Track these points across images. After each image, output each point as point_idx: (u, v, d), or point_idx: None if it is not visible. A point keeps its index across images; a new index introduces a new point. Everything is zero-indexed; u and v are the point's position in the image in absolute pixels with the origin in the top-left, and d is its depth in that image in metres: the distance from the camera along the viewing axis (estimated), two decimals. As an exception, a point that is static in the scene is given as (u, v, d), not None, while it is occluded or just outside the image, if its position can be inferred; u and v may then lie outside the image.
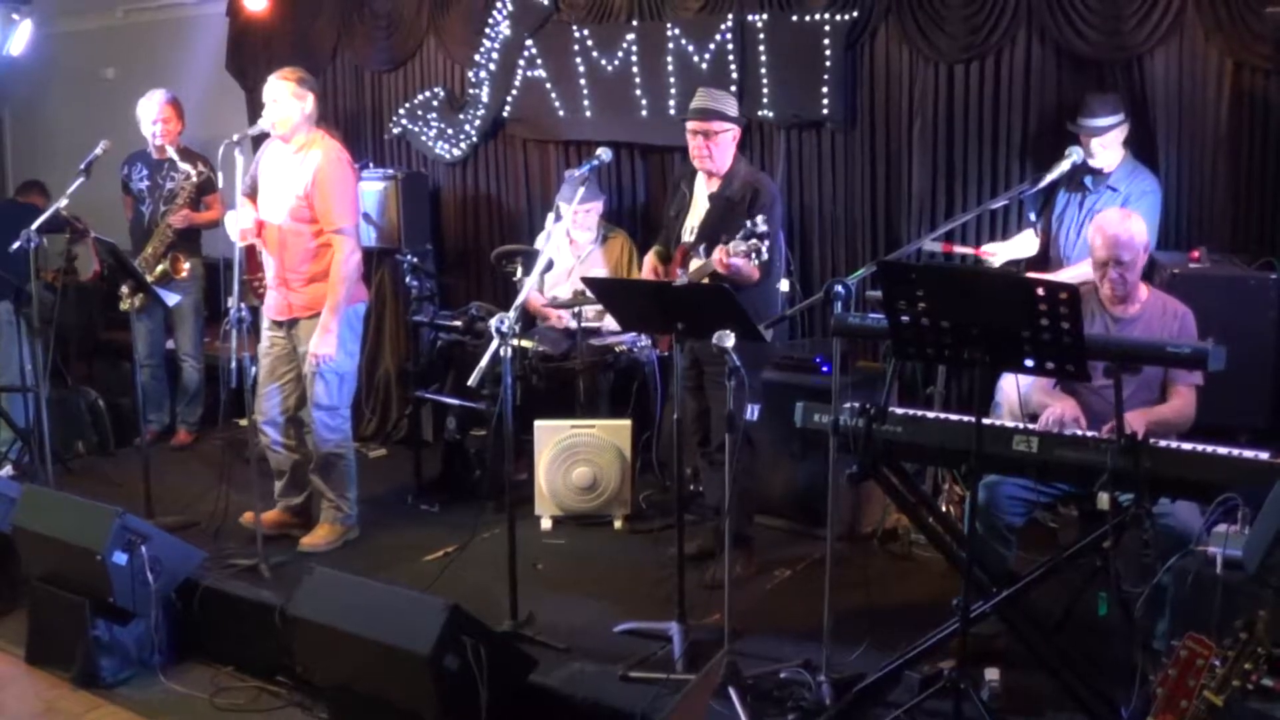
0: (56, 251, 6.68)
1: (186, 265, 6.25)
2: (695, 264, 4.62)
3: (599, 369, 5.52)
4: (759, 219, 4.27)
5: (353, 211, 4.85)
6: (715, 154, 4.62)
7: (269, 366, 4.98)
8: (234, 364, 4.63)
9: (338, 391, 4.91)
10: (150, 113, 6.20)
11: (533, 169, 6.49)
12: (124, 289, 5.70)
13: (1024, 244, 4.87)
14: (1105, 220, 3.95)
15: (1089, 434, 3.47)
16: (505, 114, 6.42)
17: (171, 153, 6.21)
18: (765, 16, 5.50)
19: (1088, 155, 4.51)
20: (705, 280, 4.46)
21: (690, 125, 4.65)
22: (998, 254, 4.81)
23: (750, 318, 3.84)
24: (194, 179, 6.25)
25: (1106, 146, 4.54)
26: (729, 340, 3.55)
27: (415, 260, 6.09)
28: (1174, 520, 3.50)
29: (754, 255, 4.27)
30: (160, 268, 6.18)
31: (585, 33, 6.04)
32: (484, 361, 4.03)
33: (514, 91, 6.35)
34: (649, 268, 4.99)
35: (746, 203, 4.54)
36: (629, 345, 5.55)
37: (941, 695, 3.40)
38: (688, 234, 4.76)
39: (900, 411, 3.67)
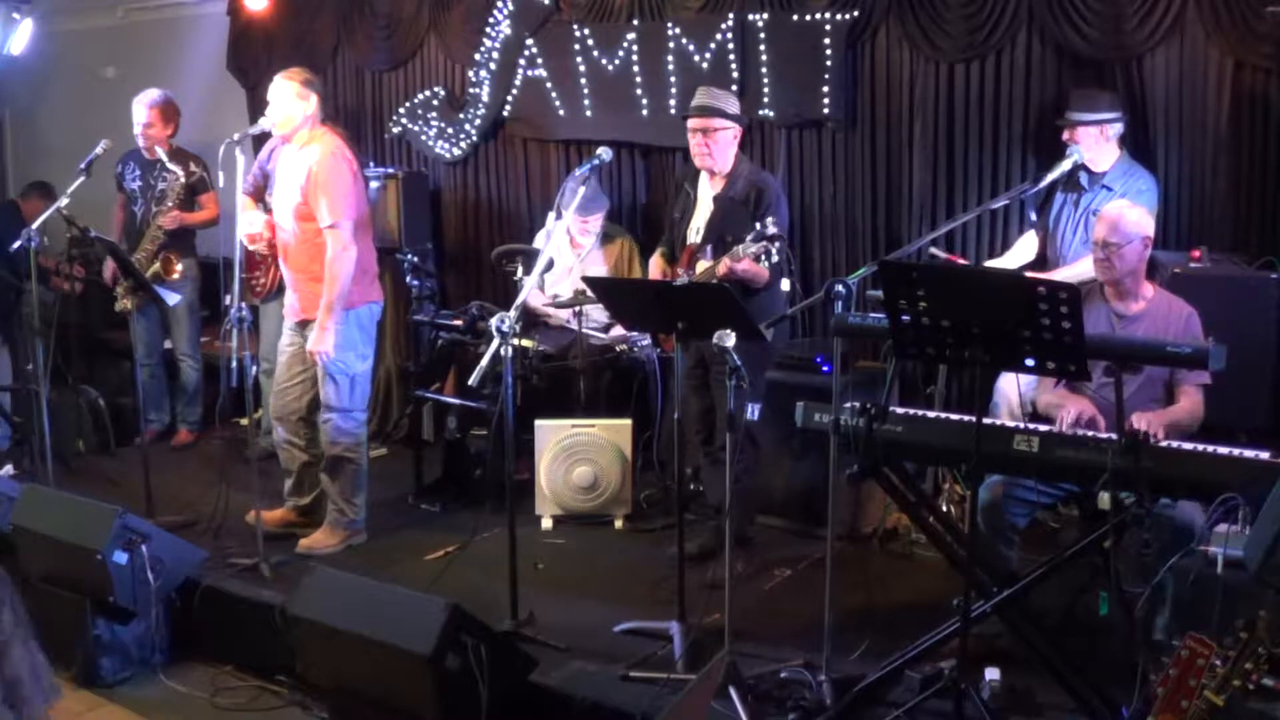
0: (57, 252, 6.69)
1: (179, 266, 6.24)
2: (702, 265, 4.62)
3: (599, 368, 5.52)
4: (769, 220, 4.29)
5: (348, 207, 4.73)
6: (715, 152, 4.63)
7: (285, 364, 4.99)
8: (234, 363, 4.63)
9: (349, 394, 4.88)
10: (137, 116, 6.18)
11: (533, 169, 6.49)
12: (119, 289, 5.68)
13: (1024, 250, 4.87)
14: (1106, 207, 4.04)
15: (1090, 434, 3.47)
16: (505, 113, 6.42)
17: (160, 154, 6.19)
18: (766, 16, 5.50)
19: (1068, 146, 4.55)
20: (713, 280, 4.45)
21: (690, 123, 4.67)
22: None
23: (751, 318, 3.84)
24: (183, 180, 6.23)
25: (1079, 140, 4.55)
26: (729, 340, 3.55)
27: (415, 259, 6.08)
28: (1177, 513, 3.50)
29: (764, 257, 4.28)
30: (152, 269, 6.16)
31: (586, 32, 6.04)
32: (484, 361, 4.03)
33: (514, 91, 6.35)
34: (656, 270, 4.99)
35: (751, 203, 4.56)
36: (630, 344, 5.55)
37: (942, 695, 3.40)
38: (693, 235, 4.77)
39: (901, 411, 3.68)
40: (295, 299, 4.93)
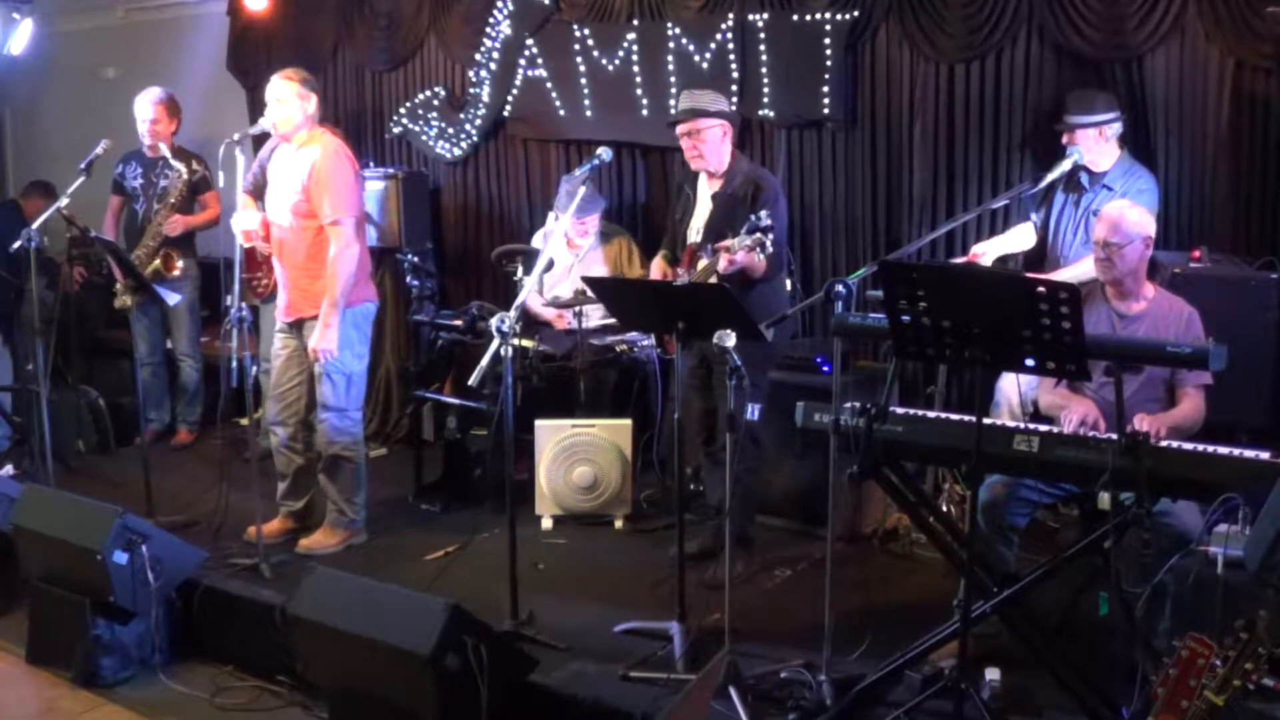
0: (58, 251, 6.69)
1: (179, 264, 6.25)
2: (702, 264, 4.62)
3: (600, 368, 5.52)
4: (763, 213, 4.30)
5: (351, 205, 4.76)
6: (706, 152, 4.63)
7: (279, 369, 4.98)
8: (234, 363, 4.63)
9: (345, 393, 4.88)
10: (141, 112, 6.21)
11: (533, 169, 6.49)
12: (119, 286, 5.68)
13: (1020, 237, 4.86)
14: (1106, 207, 4.03)
15: (1090, 434, 3.47)
16: (506, 113, 6.42)
17: (164, 151, 6.21)
18: (766, 16, 5.50)
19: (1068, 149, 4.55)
20: (712, 279, 4.45)
21: (678, 128, 4.68)
22: (987, 252, 4.78)
23: (753, 317, 3.84)
24: (185, 177, 6.24)
25: (1078, 141, 4.55)
26: (729, 340, 3.55)
27: (416, 259, 6.09)
28: (1174, 520, 3.50)
29: (759, 249, 4.28)
30: (152, 266, 6.16)
31: (586, 32, 6.04)
32: (485, 361, 4.03)
33: (514, 91, 6.35)
34: (658, 273, 4.98)
35: (749, 199, 4.56)
36: (630, 344, 5.55)
37: (942, 695, 3.40)
38: (693, 235, 4.77)
39: (901, 411, 3.68)
40: (288, 297, 4.91)
